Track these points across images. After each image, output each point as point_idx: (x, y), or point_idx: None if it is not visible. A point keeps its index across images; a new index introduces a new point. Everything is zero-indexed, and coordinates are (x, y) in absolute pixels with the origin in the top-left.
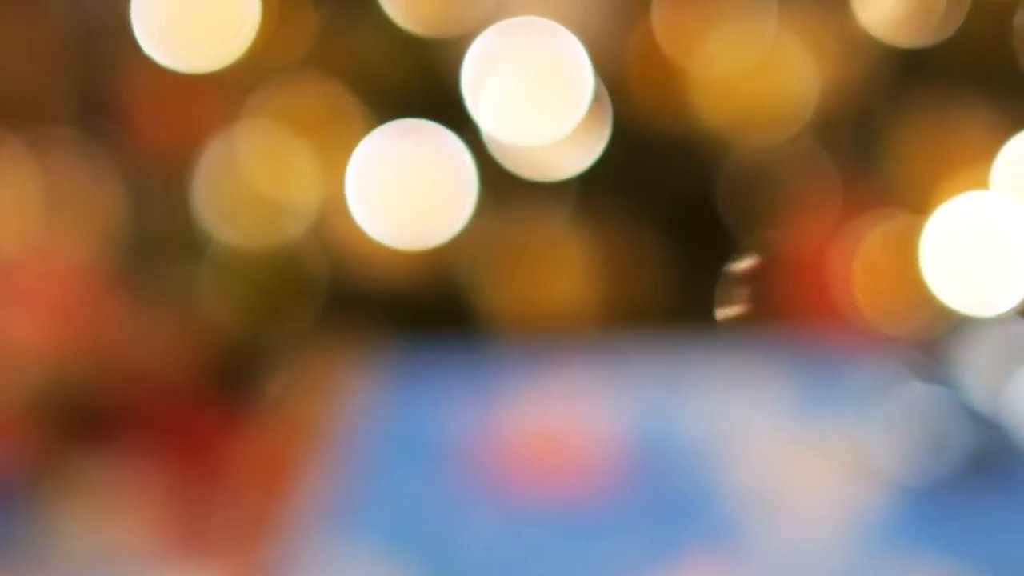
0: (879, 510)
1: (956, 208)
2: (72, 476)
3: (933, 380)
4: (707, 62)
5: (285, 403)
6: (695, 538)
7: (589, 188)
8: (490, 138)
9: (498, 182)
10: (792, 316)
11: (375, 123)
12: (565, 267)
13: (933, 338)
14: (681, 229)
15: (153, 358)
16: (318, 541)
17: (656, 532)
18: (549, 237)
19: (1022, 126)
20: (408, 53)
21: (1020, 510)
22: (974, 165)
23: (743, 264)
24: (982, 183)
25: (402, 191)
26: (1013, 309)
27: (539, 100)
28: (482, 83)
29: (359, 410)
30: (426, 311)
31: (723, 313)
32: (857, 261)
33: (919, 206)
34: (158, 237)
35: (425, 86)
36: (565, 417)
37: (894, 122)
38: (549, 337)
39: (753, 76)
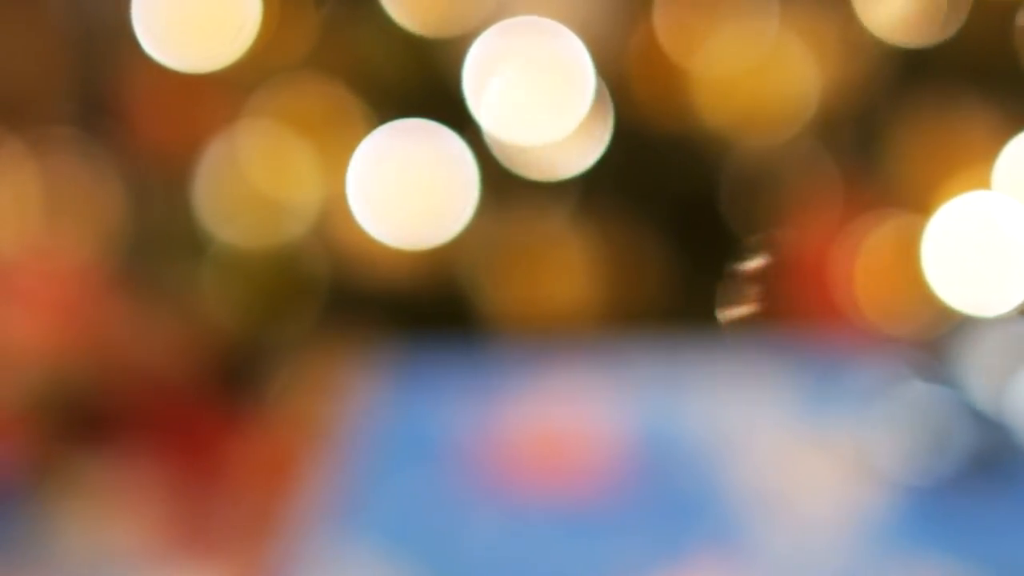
0: (882, 510)
1: (958, 208)
2: (73, 476)
3: (935, 380)
4: (708, 62)
5: (286, 403)
6: (698, 538)
7: (591, 188)
8: (491, 138)
9: (499, 182)
10: (794, 316)
11: (376, 123)
12: (566, 267)
13: (935, 338)
14: (683, 229)
15: (154, 358)
16: (320, 541)
17: (659, 532)
18: (551, 237)
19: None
20: (409, 53)
21: (1022, 510)
22: (976, 165)
23: (749, 264)
24: (984, 183)
25: (403, 191)
26: (1015, 309)
27: (541, 100)
28: (483, 83)
29: (360, 410)
30: (427, 311)
31: (725, 313)
32: (859, 261)
33: (921, 206)
34: (159, 237)
35: (426, 86)
36: (567, 417)
37: (896, 122)
38: (551, 337)
39: (754, 76)
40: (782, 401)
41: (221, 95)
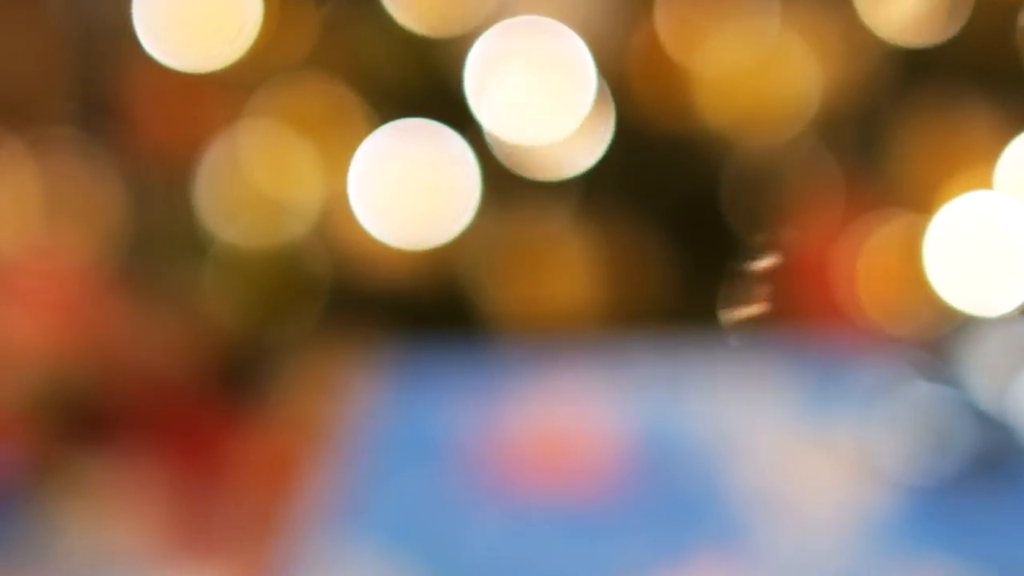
0: (884, 510)
1: (960, 208)
2: (73, 476)
3: (938, 380)
4: (710, 61)
5: (288, 403)
6: (700, 538)
7: (592, 187)
8: (493, 137)
9: (501, 181)
10: (797, 316)
11: (378, 122)
12: (568, 267)
13: (937, 338)
14: (684, 229)
15: (155, 358)
16: (322, 541)
17: (661, 532)
18: (552, 236)
19: None
20: (411, 52)
21: None
22: (978, 165)
23: (751, 264)
24: (986, 183)
25: (405, 191)
26: (1017, 309)
27: (542, 99)
28: (485, 82)
29: (362, 410)
30: (429, 311)
31: (727, 313)
32: (861, 261)
33: (923, 206)
34: (160, 237)
35: (428, 85)
36: (569, 417)
37: (898, 122)
38: (552, 337)
39: (756, 75)
40: (784, 401)
41: (222, 95)
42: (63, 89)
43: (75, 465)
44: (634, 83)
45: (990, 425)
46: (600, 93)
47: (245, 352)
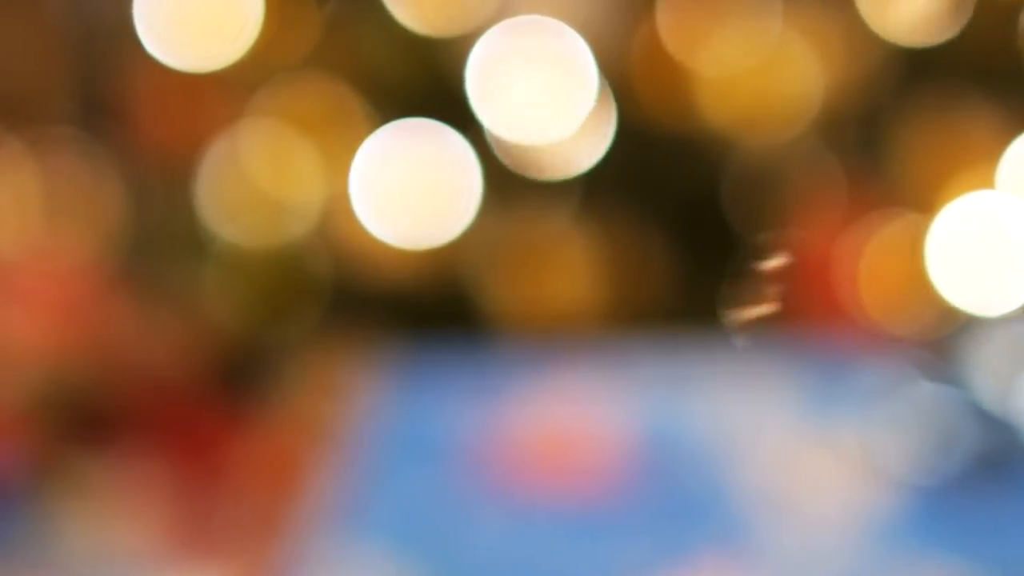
0: (887, 510)
1: (962, 207)
2: (74, 477)
3: (941, 380)
4: (712, 61)
5: (290, 403)
6: (703, 538)
7: (594, 187)
8: (494, 137)
9: (503, 181)
10: (799, 316)
11: (379, 122)
12: (570, 266)
13: (940, 338)
14: (686, 228)
15: (155, 358)
16: (324, 541)
17: (664, 532)
18: (554, 236)
19: None
20: (412, 52)
21: None
22: (980, 164)
23: (754, 264)
24: (988, 182)
25: (406, 190)
26: (1020, 308)
27: (544, 99)
28: (486, 82)
29: (364, 410)
30: (431, 310)
31: (729, 313)
32: (863, 261)
33: (925, 205)
34: (161, 236)
35: (429, 85)
36: (572, 417)
37: (899, 121)
38: (555, 336)
39: (758, 75)
40: (787, 401)
41: (223, 94)
42: (63, 89)
43: (76, 465)
44: (636, 82)
45: (993, 425)
46: (602, 92)
47: (246, 352)
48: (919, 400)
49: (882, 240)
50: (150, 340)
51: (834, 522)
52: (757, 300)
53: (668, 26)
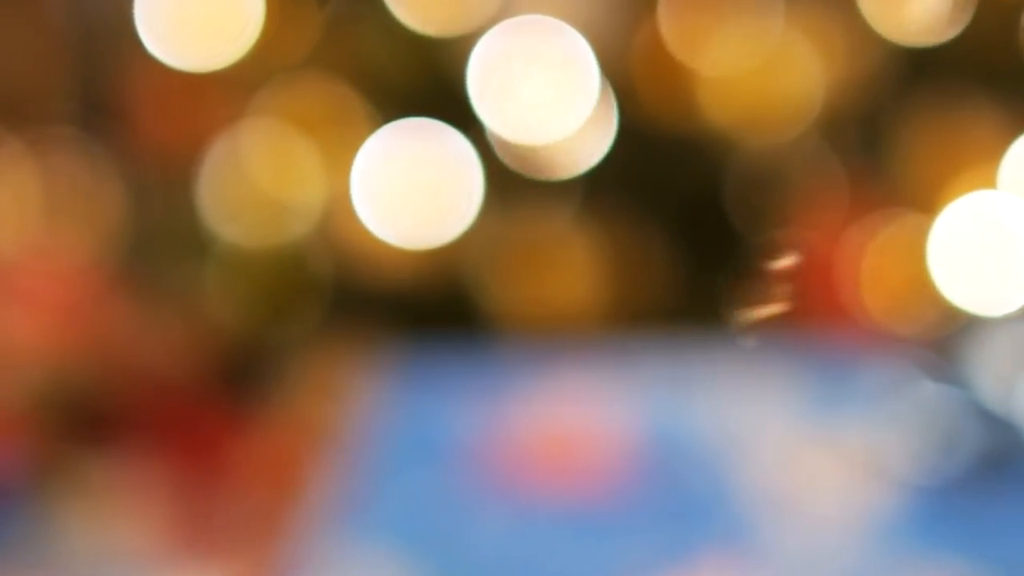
0: (891, 510)
1: (964, 207)
2: (75, 477)
3: (944, 380)
4: (713, 61)
5: (291, 403)
6: (706, 538)
7: (595, 187)
8: (496, 137)
9: (504, 181)
10: (801, 316)
11: (380, 122)
12: (571, 266)
13: (943, 338)
14: (688, 228)
15: (156, 358)
16: (326, 541)
17: (667, 532)
18: (555, 236)
19: None
20: (413, 51)
21: None
22: (982, 164)
23: (756, 264)
24: (990, 182)
25: (407, 190)
26: (1022, 308)
27: (545, 99)
28: (488, 82)
29: (366, 410)
30: (432, 310)
31: (731, 313)
32: (865, 261)
33: (927, 205)
34: (161, 236)
35: (430, 85)
36: (574, 417)
37: (901, 121)
38: (556, 336)
39: (759, 75)
40: (789, 401)
41: (224, 94)
42: (63, 89)
43: (76, 465)
44: (637, 82)
45: (996, 425)
46: (603, 92)
47: (247, 352)
48: (921, 400)
49: (884, 240)
50: (151, 340)
51: (837, 522)
52: (759, 300)
53: (669, 26)
